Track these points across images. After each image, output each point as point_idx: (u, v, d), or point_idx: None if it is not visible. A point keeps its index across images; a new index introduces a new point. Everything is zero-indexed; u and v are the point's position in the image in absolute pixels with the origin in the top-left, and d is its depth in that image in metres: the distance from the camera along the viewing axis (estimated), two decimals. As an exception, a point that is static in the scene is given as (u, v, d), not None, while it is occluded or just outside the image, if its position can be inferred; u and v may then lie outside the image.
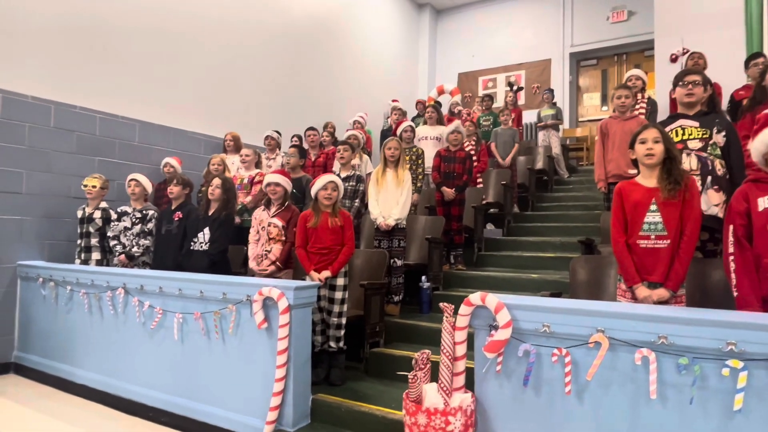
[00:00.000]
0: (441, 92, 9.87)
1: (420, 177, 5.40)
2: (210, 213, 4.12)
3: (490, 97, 8.17)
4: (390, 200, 4.45)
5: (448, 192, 5.04)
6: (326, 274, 3.50)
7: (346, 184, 4.75)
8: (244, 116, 6.86)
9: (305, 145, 6.50)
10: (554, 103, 8.43)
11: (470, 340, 2.36)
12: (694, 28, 6.36)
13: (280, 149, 6.05)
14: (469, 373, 2.36)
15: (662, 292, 2.39)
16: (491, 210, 6.14)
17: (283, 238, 3.78)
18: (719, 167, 2.97)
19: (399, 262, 4.39)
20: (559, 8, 10.42)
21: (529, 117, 9.65)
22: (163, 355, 3.54)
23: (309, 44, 8.26)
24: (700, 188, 2.95)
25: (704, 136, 3.00)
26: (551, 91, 8.52)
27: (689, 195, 2.45)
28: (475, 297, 2.28)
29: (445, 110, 8.88)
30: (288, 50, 7.80)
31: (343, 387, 3.35)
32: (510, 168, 6.50)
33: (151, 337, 3.61)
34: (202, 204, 4.24)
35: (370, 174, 4.98)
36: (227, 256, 4.12)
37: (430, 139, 6.04)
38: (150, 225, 4.53)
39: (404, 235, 4.48)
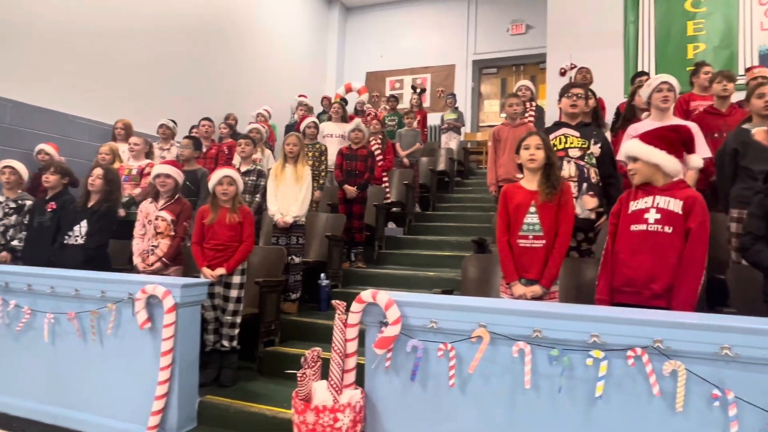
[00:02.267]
0: (349, 90, 9.87)
1: (323, 174, 5.37)
2: (89, 205, 3.81)
3: (395, 98, 8.31)
4: (289, 196, 4.38)
5: (350, 190, 5.05)
6: (220, 271, 3.37)
7: (246, 179, 4.61)
8: (137, 103, 6.41)
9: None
10: (456, 108, 8.75)
11: (362, 337, 2.38)
12: (582, 45, 6.91)
13: (175, 139, 5.73)
14: (361, 369, 2.38)
15: (536, 289, 2.57)
16: (393, 209, 6.25)
17: (172, 233, 3.58)
18: (593, 175, 3.24)
19: (297, 260, 4.33)
20: (464, 17, 10.83)
21: (433, 120, 9.94)
22: (32, 359, 3.21)
23: (212, 33, 7.91)
24: (576, 193, 3.19)
25: (583, 146, 3.25)
26: (454, 95, 8.84)
27: (564, 199, 2.65)
28: (367, 294, 2.30)
29: (352, 108, 8.92)
30: (189, 38, 7.41)
31: (235, 387, 3.25)
32: (412, 168, 6.65)
33: (16, 340, 3.27)
34: (81, 195, 3.90)
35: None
36: (107, 252, 3.84)
37: (334, 137, 6.02)
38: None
39: (303, 232, 4.43)
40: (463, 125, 8.86)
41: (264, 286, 3.62)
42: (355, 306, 2.32)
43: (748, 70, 5.74)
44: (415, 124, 7.33)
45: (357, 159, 5.17)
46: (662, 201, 2.38)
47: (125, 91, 6.32)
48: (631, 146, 2.51)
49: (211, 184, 3.53)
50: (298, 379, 2.22)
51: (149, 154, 4.92)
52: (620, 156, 2.64)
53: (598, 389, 1.94)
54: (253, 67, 8.91)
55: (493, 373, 2.14)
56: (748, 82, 4.47)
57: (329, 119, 6.38)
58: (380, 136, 6.14)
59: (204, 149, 5.81)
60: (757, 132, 3.16)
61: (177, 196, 3.72)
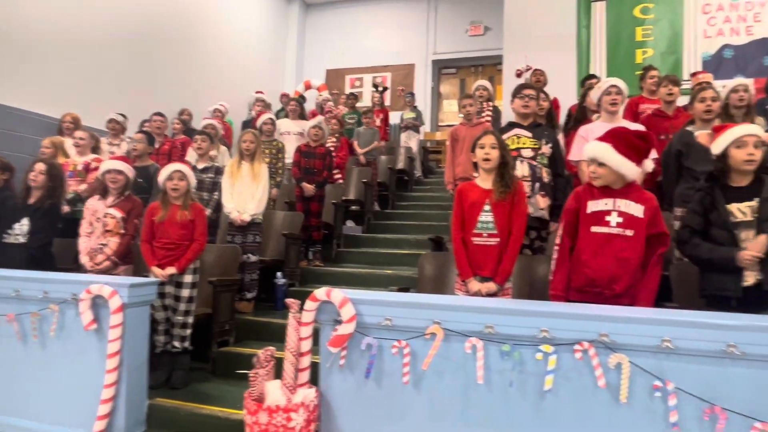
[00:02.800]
0: (308, 87, 9.79)
1: (280, 171, 5.30)
2: (31, 201, 3.63)
3: (355, 96, 8.30)
4: (245, 194, 4.30)
5: (308, 188, 5.01)
6: (171, 270, 3.28)
7: (205, 176, 4.49)
8: (85, 96, 6.15)
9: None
10: (415, 107, 8.81)
11: (316, 336, 2.36)
12: (538, 48, 7.05)
13: (125, 134, 5.53)
14: (315, 368, 2.36)
15: (491, 286, 2.61)
16: (352, 207, 6.24)
17: (122, 231, 3.46)
18: (545, 175, 3.32)
19: (254, 258, 4.26)
20: (424, 17, 10.90)
21: (393, 119, 9.96)
22: (-34, 364, 3.04)
23: (167, 26, 7.68)
24: (529, 192, 3.26)
25: (535, 146, 3.33)
26: (413, 94, 8.89)
27: (518, 198, 2.71)
28: (321, 292, 2.28)
29: (313, 106, 8.85)
30: (142, 29, 7.17)
31: (186, 389, 3.17)
32: (370, 166, 6.65)
33: (-50, 344, 3.08)
34: (21, 191, 3.71)
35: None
36: (51, 251, 3.67)
37: (292, 134, 5.96)
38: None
39: (260, 231, 4.36)
40: (423, 124, 8.93)
41: (218, 285, 3.54)
42: (309, 304, 2.30)
43: (693, 75, 6.01)
44: (378, 122, 7.33)
45: (315, 157, 5.12)
46: (623, 204, 2.42)
47: (72, 83, 6.06)
48: (601, 152, 2.46)
49: (160, 179, 3.43)
50: (251, 379, 2.19)
51: (96, 149, 4.73)
52: (581, 156, 2.65)
53: (547, 383, 1.99)
54: (210, 62, 8.71)
55: (447, 369, 2.16)
56: (694, 86, 4.67)
57: (286, 116, 6.30)
58: (336, 135, 6.12)
59: (156, 145, 5.63)
60: (700, 135, 3.30)
61: (127, 193, 3.60)
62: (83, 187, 4.40)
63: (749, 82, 4.01)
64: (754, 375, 1.81)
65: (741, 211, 2.39)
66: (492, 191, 2.71)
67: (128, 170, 3.61)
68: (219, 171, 4.62)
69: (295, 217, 4.84)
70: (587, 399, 1.97)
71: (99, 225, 3.48)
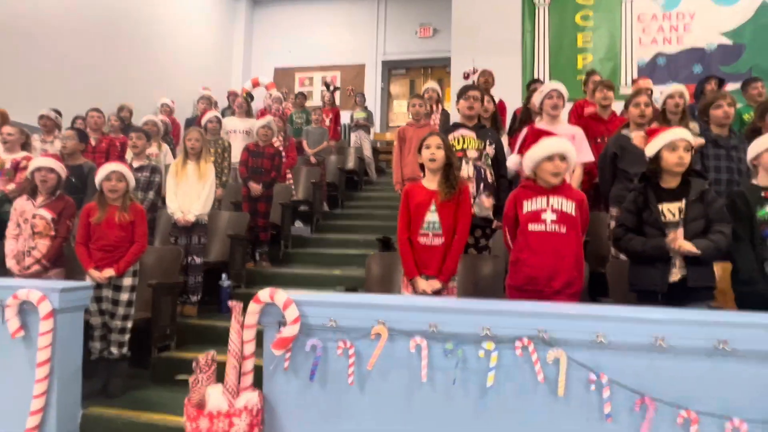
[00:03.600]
0: (256, 85, 9.60)
1: (225, 171, 5.18)
2: (-48, 202, 3.40)
3: (304, 95, 8.22)
4: (191, 194, 4.18)
5: (255, 188, 4.92)
6: (109, 273, 3.14)
7: (139, 175, 4.32)
8: (15, 91, 5.80)
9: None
10: (366, 107, 8.82)
11: (260, 338, 2.31)
12: (484, 51, 7.21)
13: (60, 131, 5.25)
14: (259, 371, 2.32)
15: (435, 284, 2.65)
16: (301, 208, 6.17)
17: (52, 233, 3.28)
18: (489, 176, 3.40)
19: (198, 260, 4.14)
20: (374, 17, 10.93)
21: (343, 118, 9.94)
22: None
23: (108, 19, 7.36)
24: (475, 193, 3.33)
25: (479, 147, 3.40)
26: (362, 94, 8.90)
27: (462, 198, 2.75)
28: (264, 294, 2.24)
29: (262, 104, 8.69)
30: (81, 22, 6.84)
31: (124, 397, 3.04)
32: (319, 166, 6.61)
33: None
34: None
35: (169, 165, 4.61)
36: (-26, 254, 3.44)
37: (238, 132, 5.84)
38: None
39: (205, 232, 4.25)
40: (373, 125, 8.95)
41: (158, 288, 3.42)
42: (252, 306, 2.26)
43: (634, 81, 6.30)
44: (327, 121, 7.29)
45: (264, 156, 5.04)
46: (556, 202, 2.52)
47: (0, 76, 5.70)
48: (569, 149, 2.58)
49: (97, 179, 3.27)
50: (191, 384, 2.12)
51: (26, 146, 4.46)
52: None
53: (489, 379, 2.02)
54: (153, 58, 8.42)
55: (392, 369, 2.16)
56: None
57: (232, 114, 6.17)
58: (282, 134, 6.04)
59: (93, 142, 5.38)
60: (636, 137, 3.45)
61: (59, 193, 3.42)
62: (11, 186, 4.13)
63: (683, 88, 4.23)
64: (680, 366, 1.91)
65: (670, 211, 2.51)
66: (438, 192, 2.74)
67: (60, 169, 3.44)
68: (155, 170, 4.46)
69: (241, 218, 4.74)
70: (527, 394, 2.02)
71: (27, 227, 3.28)
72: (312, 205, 6.16)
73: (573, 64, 7.26)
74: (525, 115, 4.70)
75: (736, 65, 6.82)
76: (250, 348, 2.29)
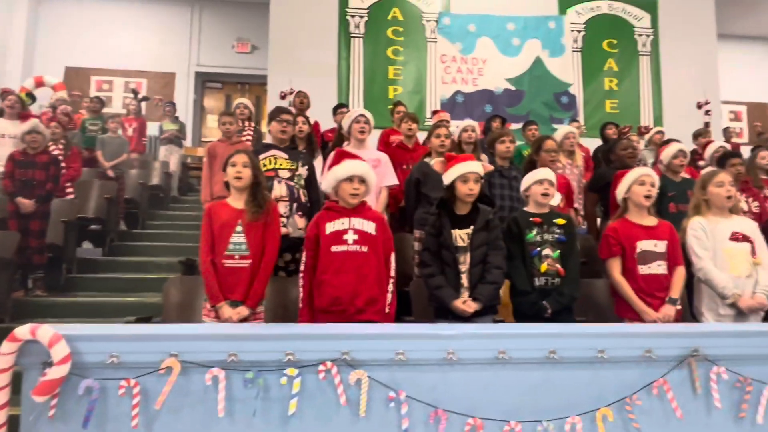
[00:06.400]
0: (40, 84, 8.32)
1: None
2: None
3: (100, 100, 7.33)
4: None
5: (25, 204, 4.16)
6: None
7: None
8: None
9: None
10: (177, 118, 8.23)
11: (18, 383, 1.91)
12: (302, 72, 7.26)
13: None
14: (15, 421, 1.91)
15: (242, 310, 2.50)
16: (91, 226, 5.42)
17: None
18: (303, 196, 3.38)
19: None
20: (187, 25, 10.32)
21: (149, 129, 9.10)
22: None
23: None
24: (288, 213, 3.27)
25: (292, 167, 3.37)
26: (173, 104, 8.30)
27: (271, 218, 2.67)
28: (23, 330, 1.87)
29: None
30: None
31: None
32: (117, 180, 5.91)
33: None
34: None
35: None
36: None
37: (7, 137, 4.93)
38: None
39: (-46, 254, 3.46)
40: (184, 138, 8.38)
41: None
42: (7, 346, 1.86)
43: (434, 113, 6.90)
44: (130, 131, 6.59)
45: (36, 166, 4.30)
46: (357, 222, 2.60)
47: None
48: (367, 172, 2.69)
49: None
50: None
51: None
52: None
53: (291, 407, 1.95)
54: None
55: (185, 405, 1.96)
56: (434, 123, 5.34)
57: (1, 115, 5.22)
58: (63, 141, 5.27)
59: None
60: (436, 163, 3.74)
61: None
62: None
63: (475, 124, 4.79)
64: (468, 377, 2.07)
65: (461, 237, 2.76)
66: (245, 211, 2.62)
67: None
68: None
69: (6, 238, 3.96)
70: (330, 418, 1.99)
71: None
72: (105, 224, 5.45)
73: (385, 93, 7.70)
74: (338, 139, 4.80)
75: (517, 108, 7.93)
76: (3, 396, 1.88)
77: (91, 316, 3.96)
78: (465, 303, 2.64)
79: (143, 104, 8.48)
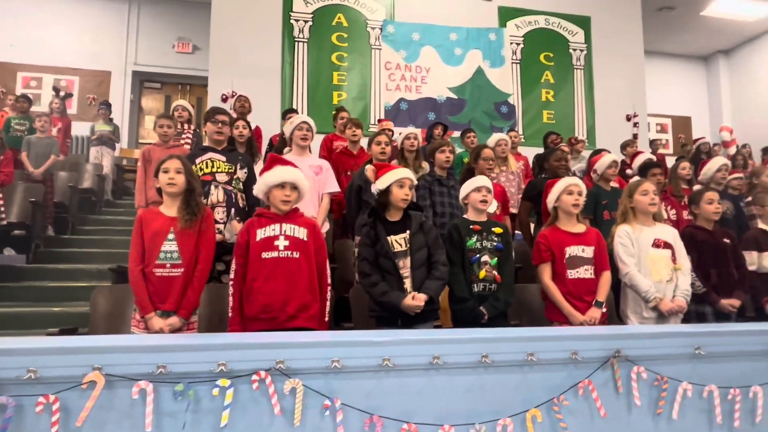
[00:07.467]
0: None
1: None
2: None
3: (27, 99, 6.91)
4: None
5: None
6: None
7: None
8: None
9: None
10: (111, 119, 7.88)
11: None
12: (244, 74, 7.13)
13: None
14: None
15: (174, 321, 2.43)
16: (15, 232, 5.10)
17: None
18: (241, 200, 3.32)
19: None
20: (124, 22, 9.93)
21: (81, 130, 8.68)
22: None
23: None
24: (225, 218, 3.21)
25: (230, 171, 3.30)
26: (108, 104, 7.95)
27: (205, 226, 2.61)
28: (-77, 346, 1.73)
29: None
30: None
31: None
32: (44, 183, 5.60)
33: None
34: None
35: None
36: None
37: None
38: None
39: None
40: (119, 140, 8.03)
41: None
42: None
43: (379, 121, 6.95)
44: (54, 131, 6.24)
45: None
46: (288, 228, 2.58)
47: None
48: (299, 178, 2.67)
49: None
50: None
51: None
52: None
53: (223, 418, 1.91)
54: None
55: (109, 421, 1.87)
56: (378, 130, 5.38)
57: None
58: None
59: None
60: (368, 169, 3.75)
61: None
62: None
63: (418, 131, 4.85)
64: (403, 383, 2.09)
65: (398, 242, 2.78)
66: (177, 219, 2.55)
67: None
68: None
69: None
70: (264, 428, 1.96)
71: None
72: (30, 229, 5.14)
73: (329, 99, 7.68)
74: (281, 144, 4.76)
75: (459, 116, 8.11)
76: None
77: (12, 328, 3.73)
78: (414, 298, 2.64)
79: (69, 102, 8.03)
